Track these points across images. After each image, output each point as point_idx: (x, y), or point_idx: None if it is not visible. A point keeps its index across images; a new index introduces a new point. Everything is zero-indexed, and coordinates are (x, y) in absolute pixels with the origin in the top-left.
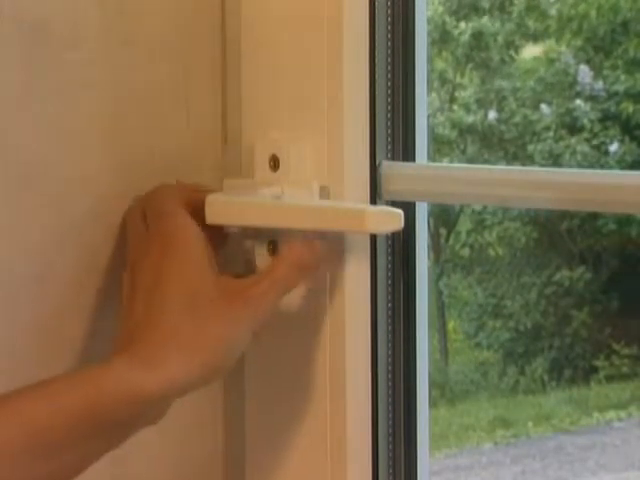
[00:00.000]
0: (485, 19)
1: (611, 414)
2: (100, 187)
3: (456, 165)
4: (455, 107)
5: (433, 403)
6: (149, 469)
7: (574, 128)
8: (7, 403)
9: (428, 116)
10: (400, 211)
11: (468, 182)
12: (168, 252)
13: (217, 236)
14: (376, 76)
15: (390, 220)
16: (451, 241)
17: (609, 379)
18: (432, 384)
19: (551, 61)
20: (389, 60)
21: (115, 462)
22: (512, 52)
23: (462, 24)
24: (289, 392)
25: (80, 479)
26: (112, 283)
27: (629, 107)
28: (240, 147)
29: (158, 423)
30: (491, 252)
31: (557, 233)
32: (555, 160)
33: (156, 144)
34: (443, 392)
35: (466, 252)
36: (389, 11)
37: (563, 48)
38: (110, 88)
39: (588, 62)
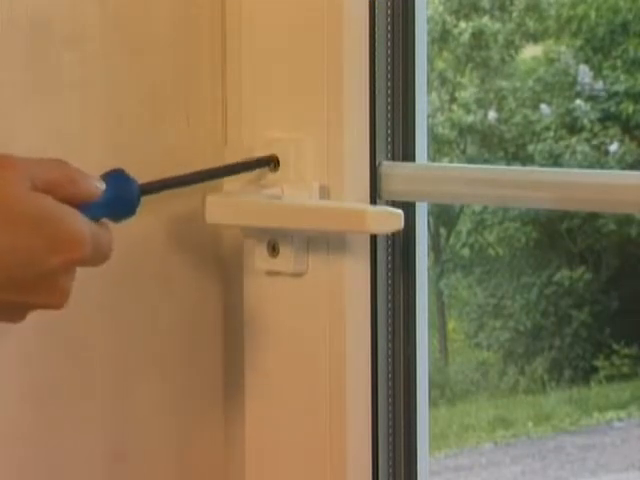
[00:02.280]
0: (485, 19)
1: (611, 414)
2: None
3: (456, 165)
4: (455, 107)
5: (433, 403)
6: (149, 468)
7: (574, 128)
8: None
9: (428, 116)
10: (400, 211)
11: (468, 182)
12: None
13: None
14: (376, 76)
15: (390, 220)
16: (451, 241)
17: (609, 379)
18: (432, 384)
19: (551, 61)
20: (389, 60)
21: (115, 459)
22: (512, 52)
23: (462, 23)
24: (289, 392)
25: (81, 474)
26: (109, 280)
27: (629, 107)
28: (240, 147)
29: (161, 424)
30: (491, 252)
31: (557, 233)
32: (555, 160)
33: (156, 144)
34: (443, 392)
35: (466, 252)
36: (389, 11)
37: (563, 48)
38: (110, 88)
39: (588, 62)
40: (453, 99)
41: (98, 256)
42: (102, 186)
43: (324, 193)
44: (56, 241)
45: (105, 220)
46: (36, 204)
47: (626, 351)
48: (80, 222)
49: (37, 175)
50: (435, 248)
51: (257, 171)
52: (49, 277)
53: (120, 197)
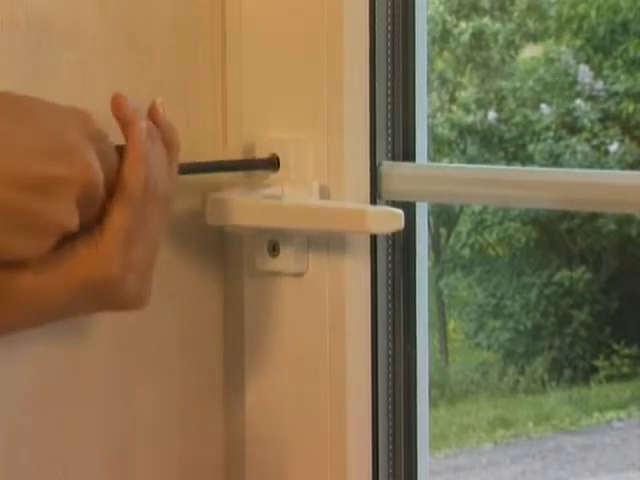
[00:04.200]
0: (486, 19)
1: (611, 414)
2: None
3: (456, 165)
4: (455, 107)
5: (433, 403)
6: (150, 468)
7: (574, 128)
8: None
9: (428, 116)
10: (400, 211)
11: (468, 182)
12: None
13: None
14: (376, 76)
15: (390, 220)
16: (451, 241)
17: (609, 379)
18: (432, 384)
19: (551, 61)
20: (389, 60)
21: (116, 459)
22: (512, 52)
23: (463, 23)
24: (289, 392)
25: (81, 474)
26: None
27: (629, 107)
28: (240, 147)
29: (161, 424)
30: (491, 252)
31: (557, 233)
32: (555, 160)
33: None
34: (443, 392)
35: (466, 252)
36: (389, 11)
37: (563, 48)
38: (110, 88)
39: (588, 62)
40: (453, 99)
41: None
42: None
43: (324, 193)
44: (72, 113)
45: None
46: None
47: (626, 351)
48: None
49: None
50: (435, 248)
51: (257, 171)
52: (70, 147)
53: None
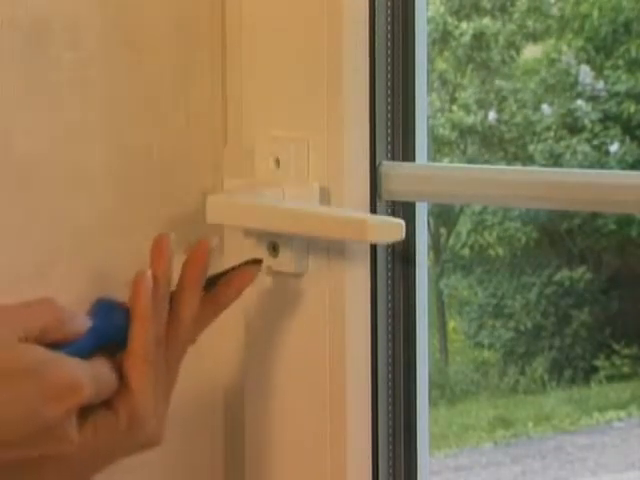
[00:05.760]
0: (486, 19)
1: (611, 414)
2: (100, 187)
3: (456, 165)
4: (455, 107)
5: (433, 403)
6: (150, 468)
7: (575, 128)
8: None
9: (428, 117)
10: (401, 221)
11: (468, 182)
12: None
13: None
14: (376, 76)
15: (391, 230)
16: (451, 241)
17: (609, 379)
18: (432, 384)
19: (552, 61)
20: (389, 60)
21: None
22: (513, 52)
23: (463, 24)
24: (289, 392)
25: None
26: (110, 280)
27: (630, 107)
28: (240, 147)
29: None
30: (491, 252)
31: (557, 233)
32: (555, 160)
33: (156, 144)
34: (443, 392)
35: (466, 252)
36: (389, 11)
37: (564, 48)
38: (110, 88)
39: (589, 62)
40: (454, 100)
41: (102, 390)
42: (88, 323)
43: (324, 193)
44: (52, 390)
45: (100, 355)
46: (27, 357)
47: (626, 351)
48: (73, 367)
49: (27, 324)
50: (435, 248)
51: (257, 171)
52: (53, 427)
53: (110, 326)
